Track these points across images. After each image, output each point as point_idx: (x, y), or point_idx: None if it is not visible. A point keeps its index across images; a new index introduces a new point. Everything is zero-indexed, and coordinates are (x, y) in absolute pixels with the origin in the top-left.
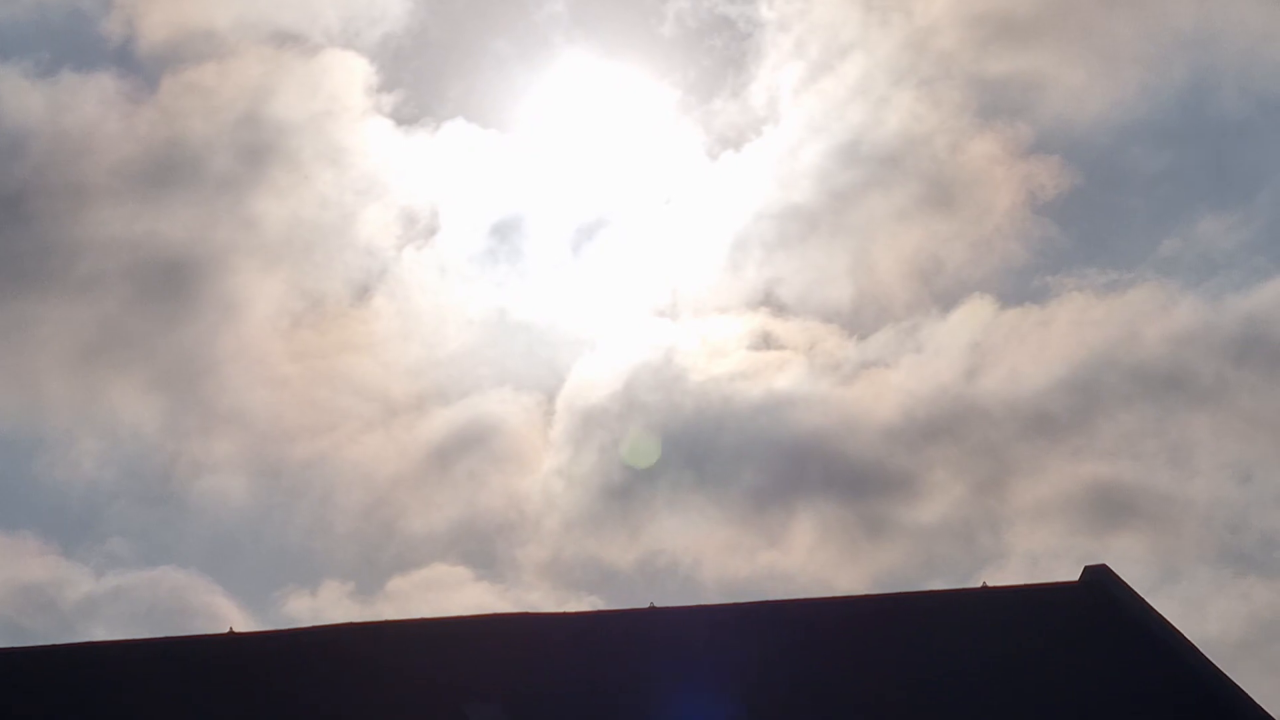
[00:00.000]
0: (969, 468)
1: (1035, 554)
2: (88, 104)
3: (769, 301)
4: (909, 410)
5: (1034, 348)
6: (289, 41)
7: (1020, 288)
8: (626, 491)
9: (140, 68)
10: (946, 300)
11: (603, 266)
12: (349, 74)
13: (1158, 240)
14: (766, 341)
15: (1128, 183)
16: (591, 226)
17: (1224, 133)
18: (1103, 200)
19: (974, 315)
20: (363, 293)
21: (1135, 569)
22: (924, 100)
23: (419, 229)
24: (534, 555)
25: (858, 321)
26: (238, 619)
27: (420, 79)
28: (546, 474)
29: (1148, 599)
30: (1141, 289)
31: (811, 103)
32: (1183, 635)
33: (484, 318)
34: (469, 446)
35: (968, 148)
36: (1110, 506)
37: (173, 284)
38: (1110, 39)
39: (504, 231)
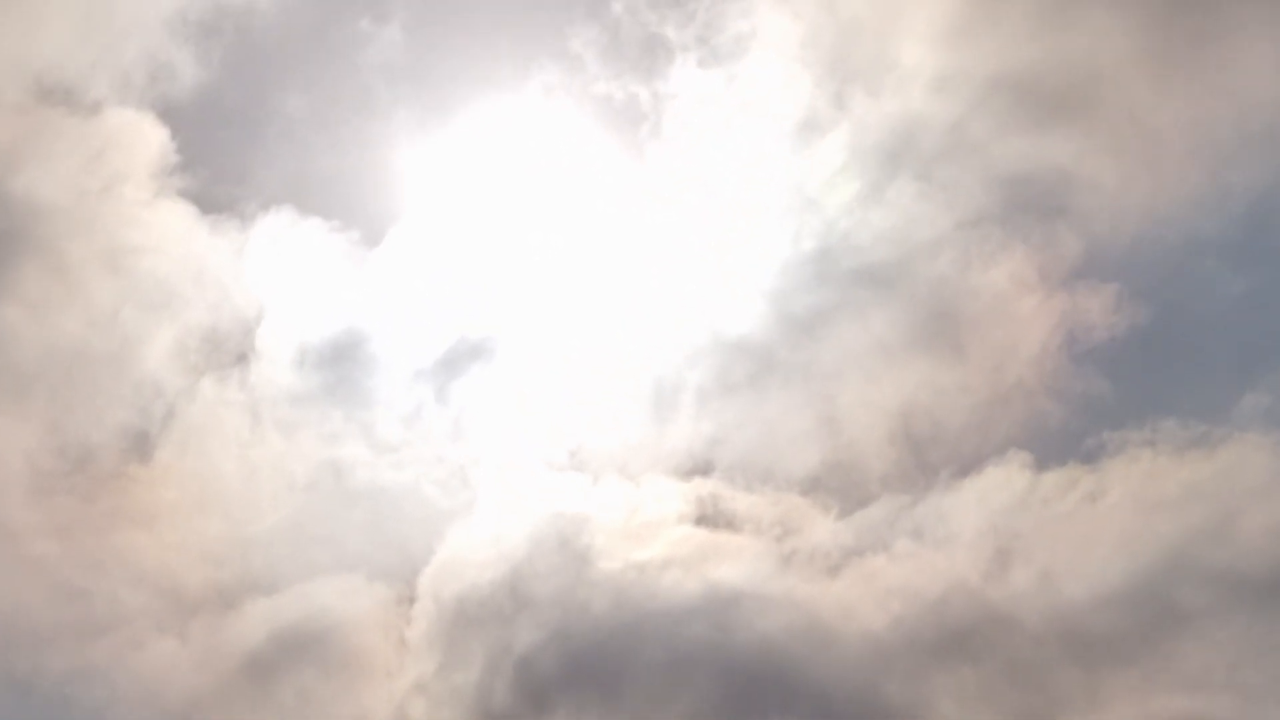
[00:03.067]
0: (992, 696)
1: None
2: None
3: (711, 464)
4: (907, 616)
5: (1083, 530)
6: (56, 94)
7: (1061, 448)
8: (512, 715)
9: None
10: (959, 466)
11: (480, 409)
12: (137, 142)
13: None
14: (708, 516)
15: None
16: (464, 354)
17: None
18: (1172, 340)
19: (997, 486)
20: (145, 444)
21: None
22: (927, 195)
23: (224, 356)
24: None
25: (836, 494)
26: None
27: (230, 153)
28: (404, 690)
29: None
30: (1231, 449)
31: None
32: None
33: (315, 478)
34: (296, 653)
35: (988, 266)
36: None
37: None
38: (1171, 119)
39: (343, 360)
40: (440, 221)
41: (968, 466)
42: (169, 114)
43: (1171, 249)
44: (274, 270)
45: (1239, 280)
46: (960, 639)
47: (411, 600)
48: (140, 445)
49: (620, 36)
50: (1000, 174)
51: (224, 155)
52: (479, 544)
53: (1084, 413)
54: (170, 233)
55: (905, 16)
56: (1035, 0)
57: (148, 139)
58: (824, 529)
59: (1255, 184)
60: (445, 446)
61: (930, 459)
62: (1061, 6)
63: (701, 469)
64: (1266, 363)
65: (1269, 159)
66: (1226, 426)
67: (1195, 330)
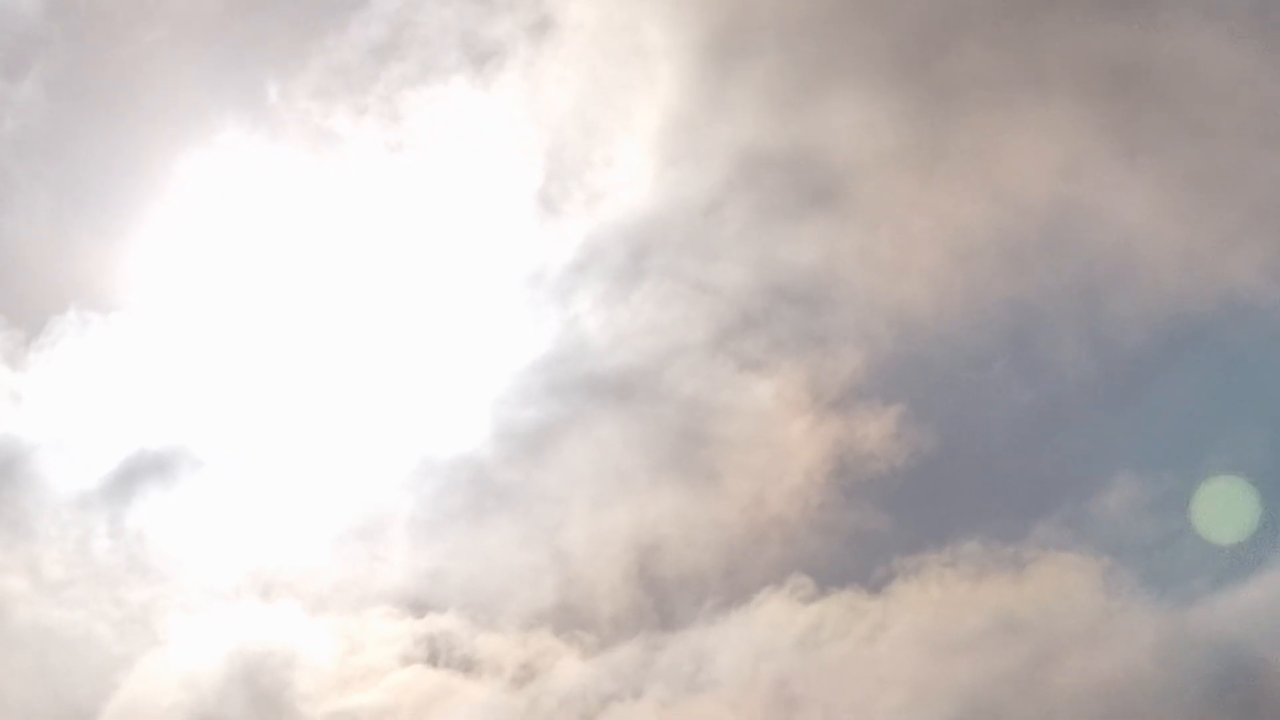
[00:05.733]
0: None
1: None
2: None
3: (438, 598)
4: None
5: (871, 661)
6: None
7: (840, 577)
8: None
9: None
10: (722, 599)
11: (162, 535)
12: None
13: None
14: (440, 657)
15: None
16: (142, 472)
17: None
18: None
19: (769, 620)
20: None
21: None
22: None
23: None
24: None
25: (590, 632)
26: None
27: None
28: None
29: None
30: (1038, 568)
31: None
32: None
33: None
34: None
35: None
36: None
37: None
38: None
39: None
40: (111, 316)
41: (732, 599)
42: None
43: (944, 364)
44: None
45: (1015, 396)
46: None
47: None
48: None
49: (279, 127)
50: (762, 276)
51: None
52: (161, 689)
53: (865, 541)
54: None
55: (624, 100)
56: (770, 81)
57: None
58: (571, 671)
59: (1022, 294)
60: (121, 579)
61: (685, 593)
62: (800, 89)
63: (434, 604)
64: (1061, 481)
65: (1036, 267)
66: (1032, 548)
67: (980, 451)
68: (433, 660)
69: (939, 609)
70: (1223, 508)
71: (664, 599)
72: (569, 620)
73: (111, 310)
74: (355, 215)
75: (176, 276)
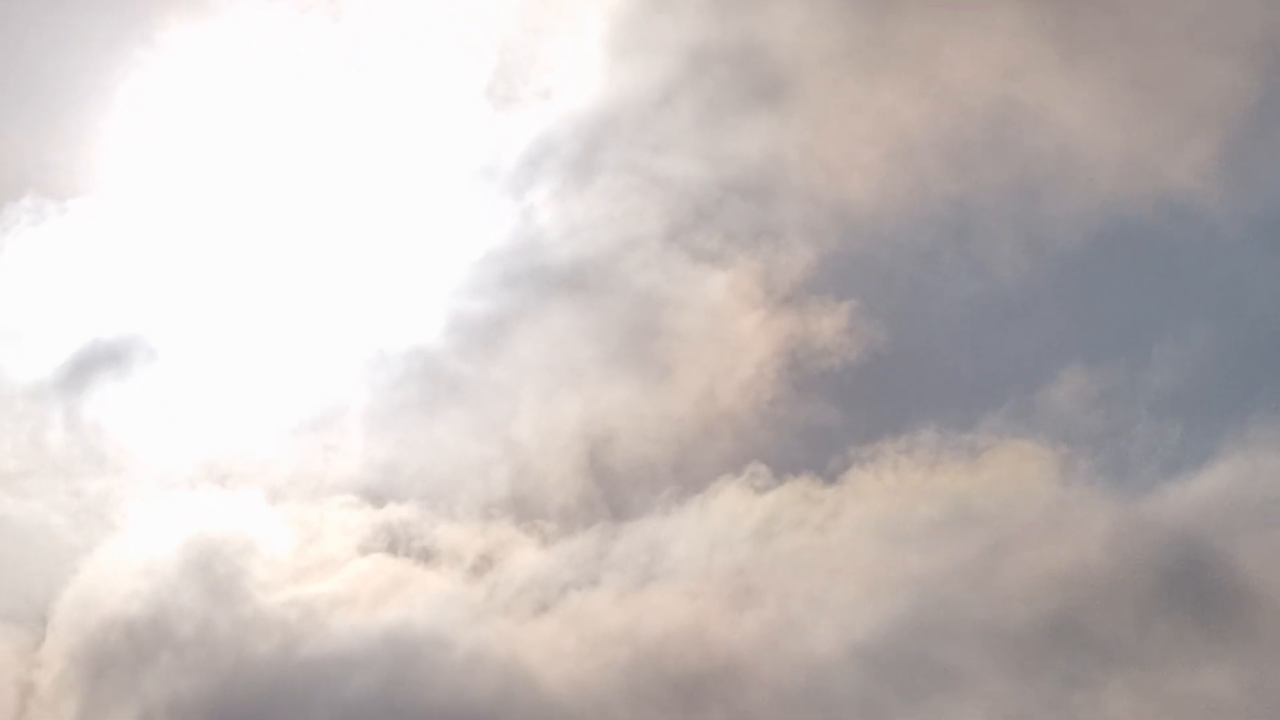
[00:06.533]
0: None
1: None
2: None
3: (399, 488)
4: (637, 662)
5: (827, 550)
6: None
7: (795, 462)
8: None
9: None
10: (679, 489)
11: (118, 425)
12: None
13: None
14: (398, 546)
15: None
16: (97, 361)
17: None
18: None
19: (724, 510)
20: None
21: None
22: (614, 190)
23: None
24: None
25: (549, 521)
26: None
27: None
28: None
29: None
30: (993, 455)
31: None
32: None
33: None
34: None
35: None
36: None
37: None
38: (875, 119)
39: None
40: (66, 204)
41: (687, 489)
42: None
43: (892, 260)
44: None
45: (961, 291)
46: (707, 683)
47: (41, 639)
48: None
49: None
50: (715, 170)
51: None
52: (118, 578)
53: (820, 433)
54: None
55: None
56: None
57: None
58: (529, 561)
59: (964, 192)
60: (77, 469)
61: (640, 484)
62: None
63: (392, 495)
64: (1009, 373)
65: (977, 166)
66: (986, 435)
67: (930, 345)
68: (392, 550)
69: (894, 497)
70: None
71: (619, 489)
72: (527, 510)
73: (67, 198)
74: (305, 111)
75: (131, 167)
